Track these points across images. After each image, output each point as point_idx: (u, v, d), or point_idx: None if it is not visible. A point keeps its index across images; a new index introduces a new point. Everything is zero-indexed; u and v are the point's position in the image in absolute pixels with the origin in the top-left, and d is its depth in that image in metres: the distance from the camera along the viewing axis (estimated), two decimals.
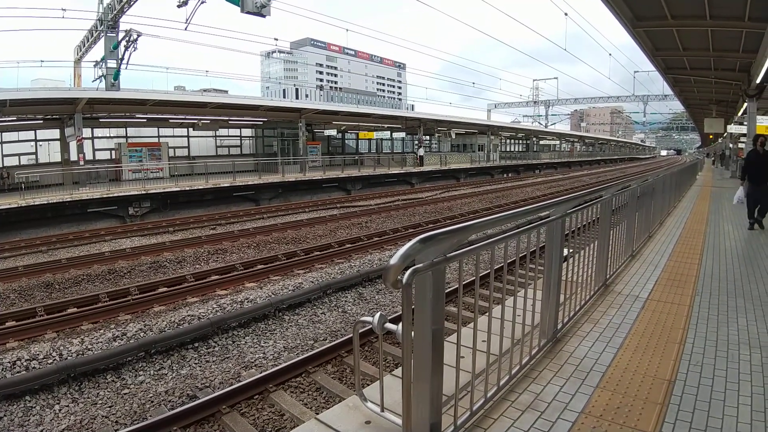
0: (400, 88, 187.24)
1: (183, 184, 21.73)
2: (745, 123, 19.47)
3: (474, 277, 3.20)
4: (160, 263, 11.86)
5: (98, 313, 8.37)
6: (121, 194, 19.21)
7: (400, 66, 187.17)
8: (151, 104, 23.92)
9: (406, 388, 2.26)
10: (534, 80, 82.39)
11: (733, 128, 26.61)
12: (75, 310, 8.54)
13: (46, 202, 17.14)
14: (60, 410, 5.45)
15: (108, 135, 26.01)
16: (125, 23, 24.58)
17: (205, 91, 45.65)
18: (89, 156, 23.65)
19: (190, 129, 28.52)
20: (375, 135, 43.88)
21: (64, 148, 22.96)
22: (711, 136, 49.61)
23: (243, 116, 30.17)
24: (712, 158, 58.27)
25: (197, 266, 11.75)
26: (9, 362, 6.26)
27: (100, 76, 25.00)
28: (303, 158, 29.88)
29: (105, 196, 18.71)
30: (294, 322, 8.01)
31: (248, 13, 19.14)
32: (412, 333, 2.23)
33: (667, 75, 20.37)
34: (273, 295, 8.83)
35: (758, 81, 14.95)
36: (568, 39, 39.28)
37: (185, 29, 23.28)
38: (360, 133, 41.70)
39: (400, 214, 19.60)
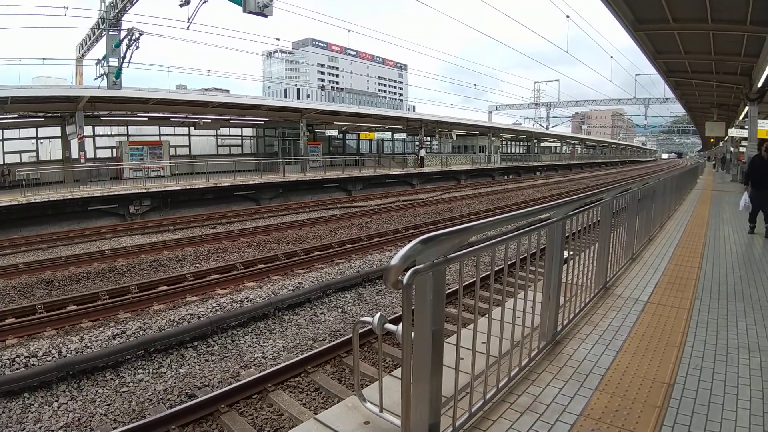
0: (401, 89, 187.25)
1: (184, 183, 21.75)
2: (746, 127, 19.49)
3: (474, 279, 3.20)
4: (160, 262, 11.86)
5: (98, 311, 8.37)
6: (121, 192, 19.22)
7: (402, 67, 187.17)
8: (152, 103, 23.95)
9: (405, 389, 2.26)
10: (535, 82, 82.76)
11: (734, 132, 26.64)
12: (75, 307, 8.54)
13: (47, 200, 17.15)
14: (59, 408, 5.45)
15: (109, 133, 26.05)
16: (127, 22, 24.68)
17: (206, 90, 45.80)
18: (90, 154, 23.69)
19: (192, 128, 28.54)
20: (376, 136, 43.91)
21: (66, 146, 23.00)
22: (712, 140, 49.63)
23: (244, 116, 30.20)
24: (713, 162, 58.30)
25: (197, 265, 11.75)
26: (8, 359, 6.26)
27: (102, 75, 25.06)
28: (304, 158, 29.89)
29: (106, 194, 18.72)
30: (293, 322, 8.00)
31: (250, 12, 19.19)
32: (412, 334, 2.23)
33: (668, 78, 20.37)
34: (273, 295, 8.83)
35: (759, 85, 14.97)
36: (569, 41, 39.35)
37: (187, 28, 23.37)
38: (361, 134, 41.74)
39: (401, 215, 19.61)
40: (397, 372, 3.09)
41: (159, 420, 4.85)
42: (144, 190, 19.87)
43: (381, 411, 2.65)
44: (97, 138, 25.24)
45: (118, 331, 7.20)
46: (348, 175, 29.57)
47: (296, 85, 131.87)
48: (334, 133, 39.85)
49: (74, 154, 22.18)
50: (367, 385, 3.27)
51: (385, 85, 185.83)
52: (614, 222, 5.32)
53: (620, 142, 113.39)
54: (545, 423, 2.77)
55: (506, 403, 2.96)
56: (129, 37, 24.00)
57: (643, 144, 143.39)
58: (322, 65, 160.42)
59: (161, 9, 27.44)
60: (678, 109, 64.15)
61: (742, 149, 25.52)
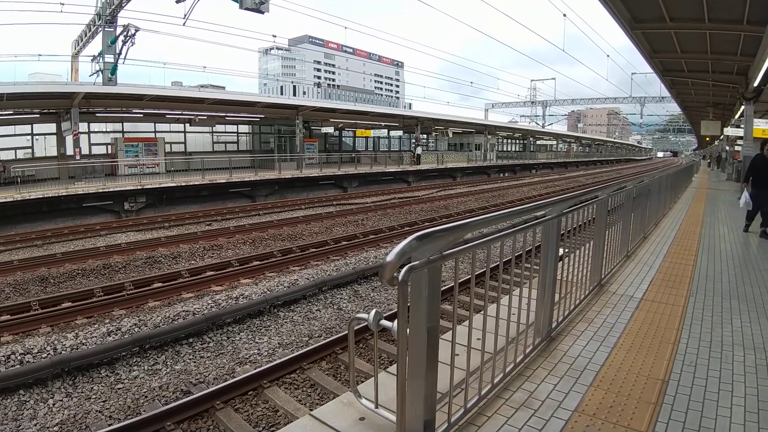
0: (398, 86, 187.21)
1: (179, 180, 21.71)
2: (742, 126, 19.53)
3: (469, 276, 3.21)
4: (156, 258, 11.84)
5: (93, 308, 8.35)
6: (116, 189, 19.16)
7: (398, 64, 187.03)
8: (148, 99, 23.86)
9: (400, 385, 2.26)
10: (532, 80, 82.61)
11: (729, 131, 26.69)
12: (70, 304, 8.52)
13: (41, 197, 17.07)
14: (54, 404, 5.44)
15: (104, 130, 25.92)
16: (123, 18, 24.45)
17: (202, 87, 45.66)
18: (85, 150, 23.56)
19: (187, 125, 28.44)
20: (372, 133, 43.83)
21: (61, 143, 22.90)
22: (707, 139, 49.72)
23: (240, 112, 30.14)
24: (708, 160, 58.46)
25: (192, 262, 11.73)
26: (3, 356, 6.24)
27: (97, 71, 24.84)
28: (300, 155, 29.86)
29: (101, 190, 18.65)
30: (289, 319, 8.00)
31: (247, 9, 19.07)
32: (408, 330, 2.23)
33: (664, 77, 20.41)
34: (268, 292, 8.82)
35: (756, 84, 14.99)
36: (566, 40, 39.32)
37: (183, 25, 23.19)
38: (357, 131, 41.62)
39: (397, 212, 19.61)
40: (393, 368, 3.10)
41: (154, 417, 4.85)
42: (139, 187, 19.81)
43: (376, 407, 2.65)
44: (92, 134, 25.12)
45: (113, 328, 7.19)
46: (344, 173, 29.53)
47: (292, 82, 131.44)
48: (330, 130, 39.74)
49: (69, 151, 22.05)
50: (362, 382, 3.28)
51: (381, 83, 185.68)
52: (609, 220, 5.34)
53: (616, 140, 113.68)
54: (540, 419, 2.77)
55: (501, 399, 2.97)
56: (125, 33, 23.82)
57: (638, 142, 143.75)
58: (319, 62, 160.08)
59: (157, 5, 27.26)
60: (674, 108, 64.27)
61: (737, 148, 25.59)
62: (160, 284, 9.69)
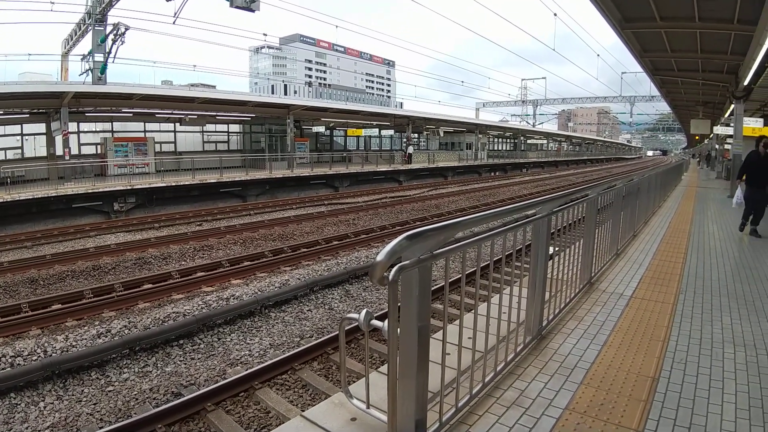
0: (389, 85, 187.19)
1: (169, 180, 21.57)
2: (732, 124, 19.65)
3: (460, 275, 3.21)
4: (145, 259, 11.76)
5: (83, 310, 8.29)
6: (106, 189, 19.00)
7: (390, 63, 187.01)
8: (137, 99, 23.69)
9: (391, 385, 2.26)
10: (522, 80, 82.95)
11: (719, 129, 26.85)
12: (59, 306, 8.45)
13: (31, 197, 16.91)
14: (45, 407, 5.39)
15: (94, 129, 25.72)
16: (113, 16, 24.39)
17: (192, 86, 45.46)
18: (75, 150, 23.38)
19: (177, 124, 28.28)
20: (363, 132, 43.82)
21: (50, 143, 22.69)
22: (697, 137, 50.15)
23: (231, 112, 30.01)
24: (698, 159, 58.94)
25: (183, 263, 11.67)
26: None
27: (87, 70, 24.72)
28: (291, 155, 29.77)
29: (90, 191, 18.49)
30: (280, 319, 7.98)
31: (237, 7, 19.06)
32: (398, 330, 2.23)
33: (654, 76, 20.49)
34: (259, 292, 8.79)
35: (746, 83, 15.08)
36: (556, 39, 39.48)
37: (173, 23, 23.13)
38: (348, 131, 41.60)
39: (388, 212, 19.61)
40: (384, 368, 3.09)
41: (145, 419, 4.82)
42: (129, 187, 19.66)
43: (368, 407, 2.65)
44: (81, 134, 24.90)
45: (103, 330, 7.13)
46: (335, 172, 29.48)
47: (283, 81, 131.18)
48: (322, 129, 39.72)
49: (59, 151, 21.86)
50: (354, 382, 3.27)
51: (372, 82, 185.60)
52: (599, 218, 5.36)
53: (606, 139, 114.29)
54: (531, 417, 2.78)
55: (492, 397, 2.97)
56: (114, 32, 23.69)
57: (628, 141, 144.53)
58: (310, 61, 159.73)
59: (147, 4, 27.10)
60: (663, 107, 64.80)
61: (727, 146, 25.75)
62: (150, 285, 9.63)
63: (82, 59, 25.53)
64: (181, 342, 7.03)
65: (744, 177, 9.41)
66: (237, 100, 28.93)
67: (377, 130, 45.10)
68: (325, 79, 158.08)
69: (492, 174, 46.24)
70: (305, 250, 12.51)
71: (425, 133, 46.72)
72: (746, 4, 10.15)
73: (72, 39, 27.47)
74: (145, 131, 27.34)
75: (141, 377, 6.11)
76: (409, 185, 33.33)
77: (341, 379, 2.81)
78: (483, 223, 2.78)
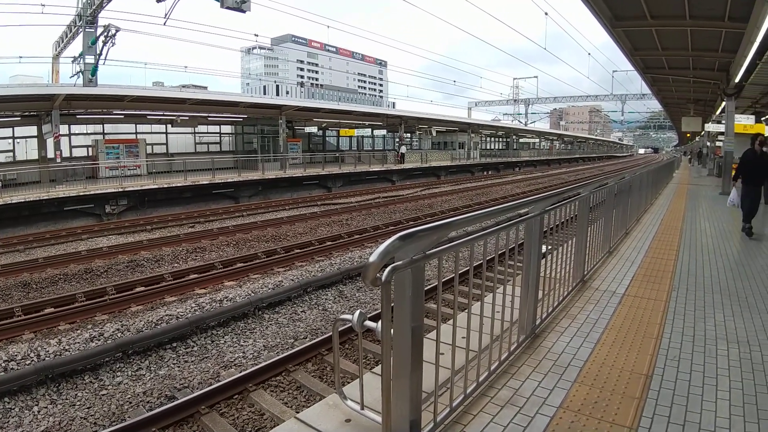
0: (381, 85, 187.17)
1: (161, 182, 21.46)
2: (723, 122, 19.76)
3: (453, 275, 3.21)
4: (138, 262, 11.69)
5: (75, 314, 8.23)
6: (98, 192, 18.88)
7: (382, 63, 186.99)
8: (128, 100, 23.58)
9: (385, 386, 2.25)
10: (514, 79, 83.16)
11: (710, 127, 27.00)
12: (52, 310, 8.38)
13: (23, 200, 16.80)
14: (39, 411, 5.36)
15: (85, 131, 25.57)
16: (104, 18, 24.18)
17: (184, 87, 45.28)
18: (66, 153, 23.22)
19: (169, 125, 28.09)
20: (356, 132, 43.76)
21: (42, 146, 22.53)
22: (688, 135, 50.39)
23: (222, 113, 29.90)
24: (689, 156, 59.26)
25: (175, 265, 11.61)
26: None
27: (78, 72, 24.54)
28: (283, 155, 29.69)
29: (82, 193, 18.38)
30: (274, 321, 7.96)
31: (228, 8, 18.95)
32: (392, 330, 2.22)
33: (645, 74, 20.57)
34: (253, 294, 8.76)
35: (737, 80, 15.16)
36: (548, 38, 39.55)
37: (164, 24, 23.00)
38: (341, 131, 41.52)
39: (381, 212, 19.60)
40: (378, 369, 3.09)
41: (139, 423, 4.79)
42: (120, 189, 19.55)
43: (362, 408, 2.64)
44: (73, 137, 24.75)
45: (95, 334, 7.09)
46: (328, 172, 29.44)
47: (275, 81, 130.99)
48: (314, 129, 39.63)
49: (50, 154, 21.71)
50: (348, 383, 3.27)
51: (365, 82, 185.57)
52: (591, 216, 5.38)
53: (597, 137, 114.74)
54: (525, 416, 2.79)
55: (486, 397, 2.98)
56: (105, 33, 23.53)
57: (619, 139, 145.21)
58: (302, 62, 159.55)
59: (138, 5, 26.94)
60: (654, 105, 65.07)
61: (718, 144, 25.90)
62: (142, 288, 9.57)
63: (73, 61, 25.36)
64: (175, 345, 6.99)
65: (740, 179, 9.24)
66: (229, 100, 28.82)
67: (370, 130, 45.04)
68: (317, 79, 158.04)
69: (485, 173, 46.35)
70: (298, 251, 12.48)
71: (418, 132, 46.75)
72: (737, 2, 10.19)
73: (63, 41, 27.30)
74: (136, 133, 27.17)
75: (134, 381, 6.08)
76: (402, 185, 33.34)
77: (335, 381, 2.81)
78: (476, 222, 2.78)
